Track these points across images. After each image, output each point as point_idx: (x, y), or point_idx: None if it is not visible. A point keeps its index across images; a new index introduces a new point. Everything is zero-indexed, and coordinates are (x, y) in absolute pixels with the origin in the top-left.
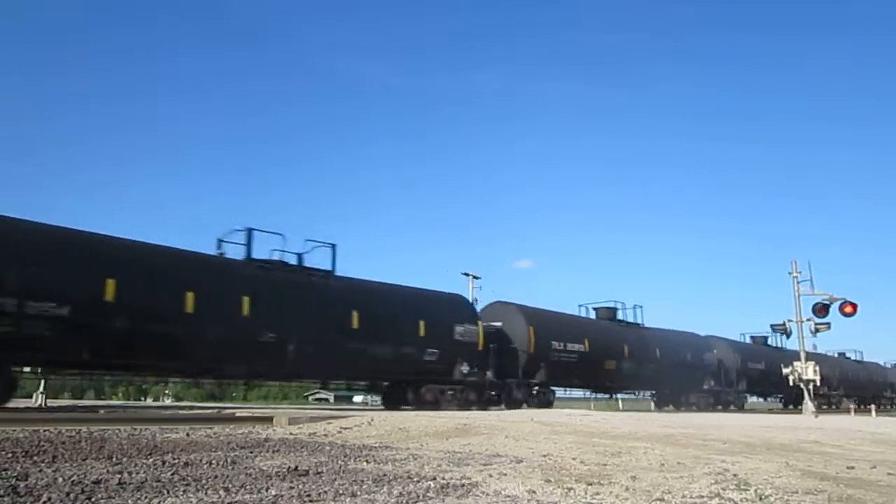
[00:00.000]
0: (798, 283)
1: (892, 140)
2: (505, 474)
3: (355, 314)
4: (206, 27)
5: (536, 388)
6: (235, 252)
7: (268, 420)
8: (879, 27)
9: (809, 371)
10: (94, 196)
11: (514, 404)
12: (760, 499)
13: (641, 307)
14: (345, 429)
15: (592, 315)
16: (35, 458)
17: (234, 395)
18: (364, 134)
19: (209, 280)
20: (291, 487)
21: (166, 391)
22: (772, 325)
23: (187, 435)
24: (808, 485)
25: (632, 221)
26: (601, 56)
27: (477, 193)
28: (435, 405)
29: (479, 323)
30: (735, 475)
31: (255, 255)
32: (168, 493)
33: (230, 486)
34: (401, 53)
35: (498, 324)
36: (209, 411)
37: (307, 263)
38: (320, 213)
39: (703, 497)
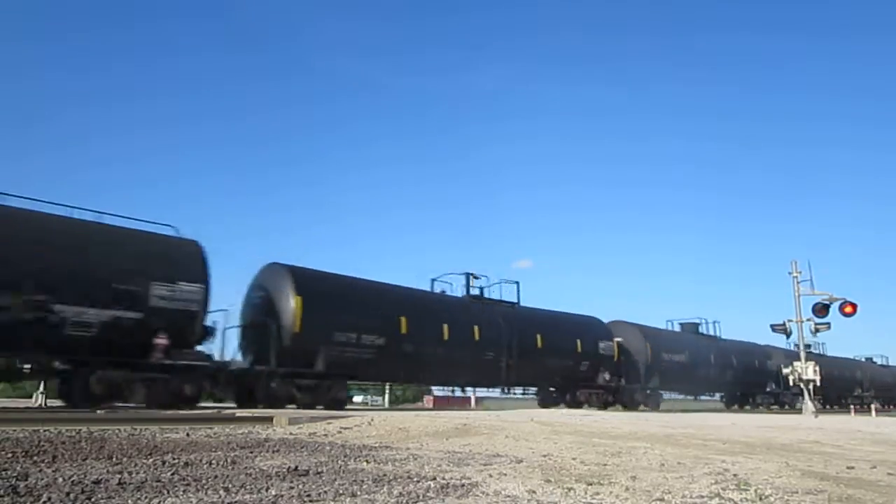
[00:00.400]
0: (798, 283)
1: (893, 140)
2: (505, 474)
3: (538, 336)
4: (207, 27)
5: (649, 391)
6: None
7: (268, 420)
8: (879, 27)
9: (809, 371)
10: (94, 196)
11: (634, 405)
12: (760, 499)
13: (718, 322)
14: (345, 429)
15: (677, 328)
16: (35, 458)
17: None
18: (364, 134)
19: (455, 315)
20: (291, 487)
21: None
22: (772, 326)
23: (187, 435)
24: (808, 485)
25: (631, 221)
26: (601, 56)
27: (477, 193)
28: (582, 404)
29: (615, 339)
30: (735, 475)
31: (442, 286)
32: (168, 493)
33: (230, 486)
34: (400, 53)
35: (619, 339)
36: (209, 411)
37: (486, 294)
38: (320, 214)
39: (703, 497)
